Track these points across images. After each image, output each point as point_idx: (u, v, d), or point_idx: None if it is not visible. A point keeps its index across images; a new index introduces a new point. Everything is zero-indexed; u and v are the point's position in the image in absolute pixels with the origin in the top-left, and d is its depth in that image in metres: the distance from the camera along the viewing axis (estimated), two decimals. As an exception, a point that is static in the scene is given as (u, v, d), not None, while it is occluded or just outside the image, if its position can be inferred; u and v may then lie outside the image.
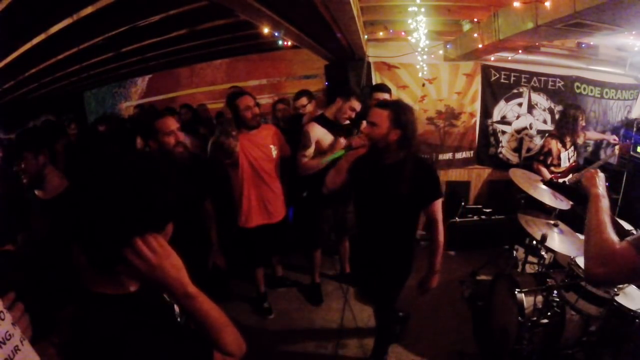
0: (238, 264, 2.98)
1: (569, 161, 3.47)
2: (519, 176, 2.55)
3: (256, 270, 3.01)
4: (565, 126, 3.39)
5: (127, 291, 0.85)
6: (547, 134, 3.74)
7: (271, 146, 2.69)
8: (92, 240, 0.76)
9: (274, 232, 2.84)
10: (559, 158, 3.42)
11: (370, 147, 1.87)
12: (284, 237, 3.07)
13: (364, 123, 2.82)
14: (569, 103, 3.74)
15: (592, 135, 4.14)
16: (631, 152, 3.85)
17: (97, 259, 0.79)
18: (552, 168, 3.43)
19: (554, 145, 3.40)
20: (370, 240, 2.07)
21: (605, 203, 1.21)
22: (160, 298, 0.96)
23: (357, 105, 2.67)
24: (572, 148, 3.47)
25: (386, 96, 3.22)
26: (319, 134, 2.68)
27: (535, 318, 2.11)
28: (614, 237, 1.07)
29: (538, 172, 3.29)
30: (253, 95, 2.64)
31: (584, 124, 3.48)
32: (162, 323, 0.90)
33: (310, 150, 2.67)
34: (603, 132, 4.45)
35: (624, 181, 3.74)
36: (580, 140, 3.58)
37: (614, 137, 4.05)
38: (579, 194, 1.32)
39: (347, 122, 2.71)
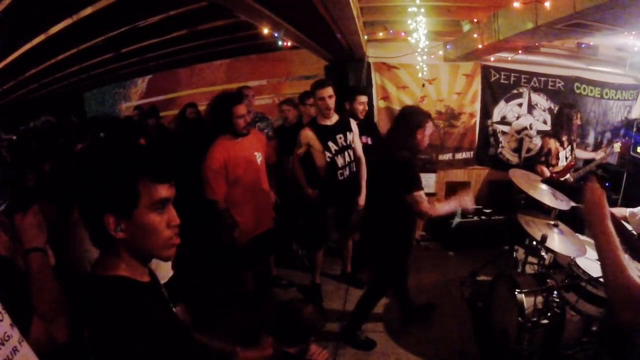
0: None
1: (567, 160, 3.47)
2: (518, 177, 2.54)
3: (245, 272, 3.04)
4: (560, 125, 3.43)
5: (141, 279, 0.90)
6: (543, 134, 3.74)
7: (256, 153, 2.75)
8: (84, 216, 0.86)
9: (263, 239, 2.85)
10: (557, 157, 3.43)
11: None
12: (277, 239, 3.08)
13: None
14: (564, 102, 3.74)
15: (582, 154, 3.83)
16: (631, 152, 3.84)
17: (93, 235, 0.87)
18: (551, 168, 3.43)
19: (552, 144, 3.41)
20: None
21: (613, 231, 1.10)
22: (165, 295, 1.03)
23: (323, 93, 2.79)
24: (569, 147, 3.48)
25: (364, 99, 3.38)
26: (310, 137, 2.91)
27: (535, 319, 2.10)
28: (636, 277, 1.01)
29: (540, 174, 3.27)
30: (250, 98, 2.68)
31: (579, 122, 3.48)
32: (168, 316, 0.97)
33: (301, 150, 2.97)
34: (603, 132, 4.45)
35: (624, 181, 3.74)
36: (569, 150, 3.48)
37: (614, 144, 3.76)
38: (579, 191, 1.21)
39: (329, 113, 2.84)
